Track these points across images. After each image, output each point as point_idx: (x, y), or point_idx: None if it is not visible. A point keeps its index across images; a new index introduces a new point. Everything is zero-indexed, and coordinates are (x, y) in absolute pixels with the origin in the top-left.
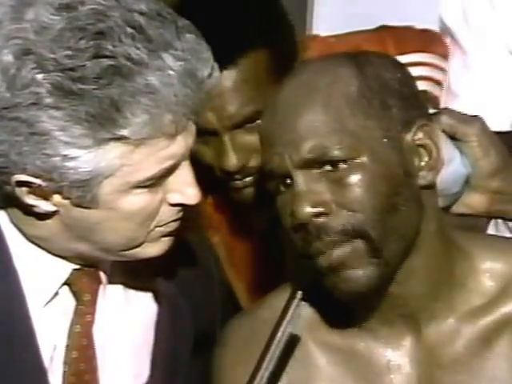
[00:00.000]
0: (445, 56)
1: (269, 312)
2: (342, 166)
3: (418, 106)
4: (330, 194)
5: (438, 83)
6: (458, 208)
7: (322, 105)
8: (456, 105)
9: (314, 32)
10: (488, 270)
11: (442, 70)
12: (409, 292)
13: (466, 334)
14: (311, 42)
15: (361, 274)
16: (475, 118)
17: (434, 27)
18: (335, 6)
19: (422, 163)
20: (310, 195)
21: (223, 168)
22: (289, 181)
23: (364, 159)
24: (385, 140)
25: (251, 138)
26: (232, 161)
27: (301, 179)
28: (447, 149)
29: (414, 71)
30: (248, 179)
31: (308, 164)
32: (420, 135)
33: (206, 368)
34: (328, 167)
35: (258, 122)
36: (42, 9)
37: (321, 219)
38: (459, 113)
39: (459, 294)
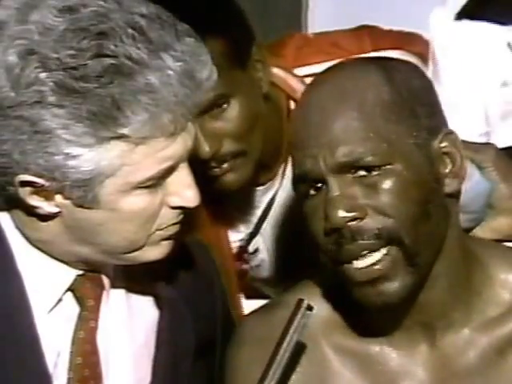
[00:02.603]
0: (423, 56)
1: (288, 311)
2: (376, 171)
3: (441, 113)
4: (364, 198)
5: None
6: (485, 233)
7: (356, 110)
8: None
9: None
10: (503, 281)
11: None
12: (430, 299)
13: (481, 344)
14: (288, 38)
15: (397, 286)
16: (488, 146)
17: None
18: (330, 6)
19: (447, 170)
20: (344, 200)
21: (197, 157)
22: (320, 185)
23: (397, 166)
24: (415, 147)
25: (220, 124)
26: (204, 148)
27: (335, 184)
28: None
29: None
30: (225, 165)
31: (342, 168)
32: (445, 143)
33: (215, 369)
34: (361, 172)
35: (224, 106)
36: (45, 11)
37: (355, 223)
38: (472, 143)
39: (476, 304)
